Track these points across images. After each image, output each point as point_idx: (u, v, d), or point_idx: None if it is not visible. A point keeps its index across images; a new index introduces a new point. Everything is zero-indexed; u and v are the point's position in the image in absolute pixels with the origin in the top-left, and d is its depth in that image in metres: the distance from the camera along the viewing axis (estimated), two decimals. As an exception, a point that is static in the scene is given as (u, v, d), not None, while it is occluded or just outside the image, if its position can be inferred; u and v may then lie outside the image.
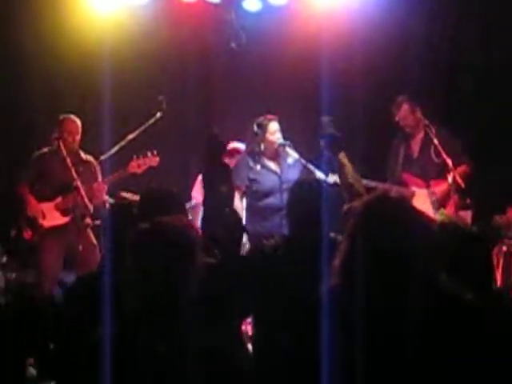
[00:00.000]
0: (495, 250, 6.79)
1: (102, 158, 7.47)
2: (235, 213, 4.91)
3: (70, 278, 6.79)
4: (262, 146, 6.86)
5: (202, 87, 8.52)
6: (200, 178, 7.64)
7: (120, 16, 8.23)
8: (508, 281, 6.78)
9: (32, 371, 4.09)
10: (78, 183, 7.10)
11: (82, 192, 7.08)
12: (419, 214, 2.86)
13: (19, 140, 8.11)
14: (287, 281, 3.97)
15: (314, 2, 8.31)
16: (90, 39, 7.93)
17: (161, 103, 7.66)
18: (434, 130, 7.09)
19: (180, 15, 8.38)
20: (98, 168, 7.47)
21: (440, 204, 7.13)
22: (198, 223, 7.01)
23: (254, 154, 6.88)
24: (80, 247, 7.12)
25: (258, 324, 4.28)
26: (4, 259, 7.16)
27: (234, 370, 3.27)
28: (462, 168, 7.12)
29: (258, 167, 6.84)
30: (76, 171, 7.16)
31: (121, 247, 3.36)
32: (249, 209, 6.84)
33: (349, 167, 5.06)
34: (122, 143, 7.53)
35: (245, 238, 5.22)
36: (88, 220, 7.30)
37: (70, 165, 7.15)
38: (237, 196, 6.74)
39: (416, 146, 7.40)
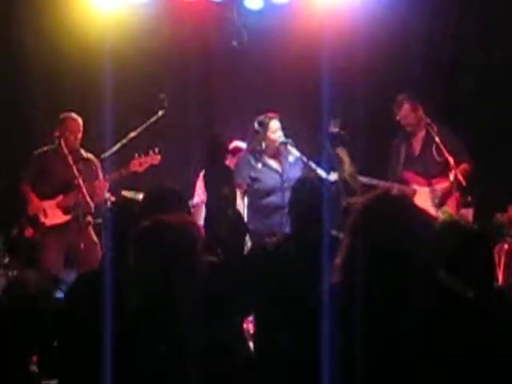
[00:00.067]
0: (497, 248, 6.80)
1: (104, 156, 7.48)
2: (238, 213, 4.91)
3: (69, 275, 6.80)
4: (264, 145, 6.85)
5: (204, 85, 8.52)
6: (202, 175, 7.65)
7: (121, 14, 8.23)
8: (510, 279, 6.79)
9: (34, 369, 4.09)
10: (80, 181, 7.09)
11: (84, 190, 7.08)
12: (420, 212, 2.85)
13: (20, 138, 8.11)
14: (289, 278, 3.96)
15: (315, 0, 8.31)
16: (91, 37, 7.93)
17: (162, 101, 7.66)
18: (435, 129, 7.10)
19: (182, 13, 8.38)
20: (98, 166, 7.47)
21: (441, 202, 7.13)
22: (201, 221, 7.03)
23: (256, 153, 6.87)
24: (81, 245, 7.12)
25: (259, 322, 4.28)
26: (6, 258, 7.17)
27: (235, 368, 3.28)
28: (464, 166, 7.12)
29: (260, 166, 6.83)
30: (77, 169, 7.16)
31: (122, 245, 3.37)
32: (250, 207, 6.83)
33: (347, 163, 5.06)
34: (124, 141, 7.53)
35: (247, 237, 5.23)
36: (89, 218, 7.30)
37: (72, 163, 7.15)
38: (238, 194, 6.75)
39: (417, 144, 7.40)
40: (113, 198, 7.18)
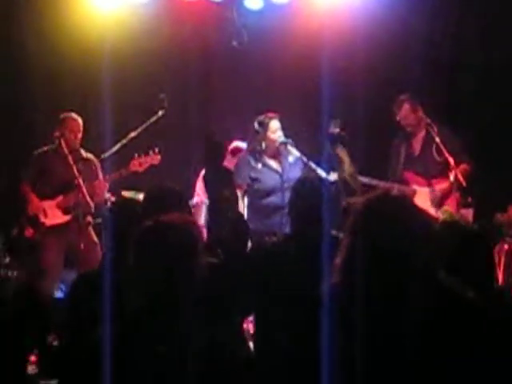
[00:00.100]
0: (496, 249, 6.79)
1: (104, 156, 7.48)
2: (240, 215, 4.91)
3: (69, 275, 6.81)
4: (264, 145, 6.84)
5: (204, 85, 8.52)
6: (202, 175, 7.66)
7: (121, 14, 8.24)
8: (509, 279, 6.79)
9: (33, 369, 4.09)
10: (80, 181, 7.09)
11: (84, 190, 7.08)
12: (420, 213, 2.85)
13: (20, 139, 8.11)
14: (288, 278, 3.97)
15: (315, 0, 8.31)
16: (91, 37, 7.93)
17: (162, 101, 7.67)
18: (435, 129, 7.10)
19: (181, 13, 8.38)
20: (98, 166, 7.47)
21: (440, 202, 7.13)
22: (201, 221, 7.04)
23: (256, 153, 6.87)
24: (81, 245, 7.12)
25: (258, 322, 4.29)
26: (7, 258, 7.17)
27: (235, 368, 3.28)
28: (464, 166, 7.12)
29: (260, 166, 6.82)
30: (77, 169, 7.16)
31: (123, 245, 3.37)
32: (250, 207, 6.83)
33: (347, 163, 5.06)
34: (124, 141, 7.53)
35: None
36: (89, 218, 7.30)
37: (72, 163, 7.15)
38: (238, 195, 6.76)
39: (417, 144, 7.40)
40: (113, 198, 7.18)
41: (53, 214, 7.26)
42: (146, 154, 7.32)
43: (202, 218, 7.35)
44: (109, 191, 7.32)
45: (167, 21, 8.38)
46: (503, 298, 3.49)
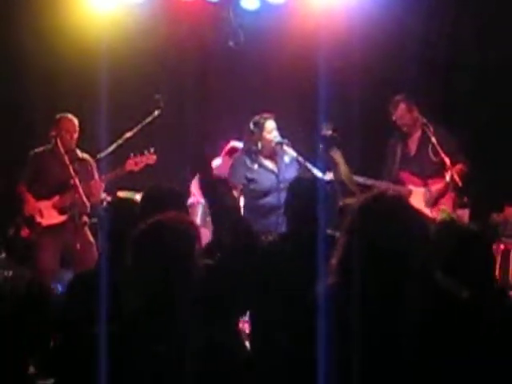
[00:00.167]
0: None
1: (100, 156, 7.48)
2: (244, 221, 4.87)
3: (65, 276, 6.80)
4: (259, 145, 6.83)
5: (200, 85, 8.51)
6: (198, 175, 7.63)
7: (118, 14, 8.23)
8: (505, 279, 6.79)
9: (31, 369, 4.08)
10: (76, 181, 7.09)
11: (80, 190, 7.07)
12: (416, 213, 2.86)
13: (19, 139, 8.10)
14: (285, 277, 3.97)
15: (311, 0, 8.31)
16: (88, 37, 7.92)
17: (158, 101, 7.67)
18: (431, 129, 7.11)
19: (178, 13, 8.38)
20: (94, 166, 7.47)
21: (434, 202, 7.13)
22: (197, 220, 7.02)
23: (251, 153, 6.86)
24: (77, 245, 7.12)
25: (254, 321, 4.29)
26: (3, 258, 7.17)
27: (233, 368, 3.28)
28: (460, 166, 7.13)
29: (256, 166, 6.81)
30: (73, 169, 7.16)
31: (119, 245, 3.36)
32: (246, 207, 6.82)
33: (342, 165, 5.06)
34: (120, 141, 7.53)
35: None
36: (85, 218, 7.30)
37: (68, 163, 7.15)
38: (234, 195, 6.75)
39: (413, 144, 7.40)
40: (109, 198, 7.18)
41: (49, 214, 7.25)
42: (142, 153, 7.32)
43: (198, 218, 7.35)
44: (105, 191, 7.32)
45: (163, 21, 8.37)
46: (502, 297, 3.49)
